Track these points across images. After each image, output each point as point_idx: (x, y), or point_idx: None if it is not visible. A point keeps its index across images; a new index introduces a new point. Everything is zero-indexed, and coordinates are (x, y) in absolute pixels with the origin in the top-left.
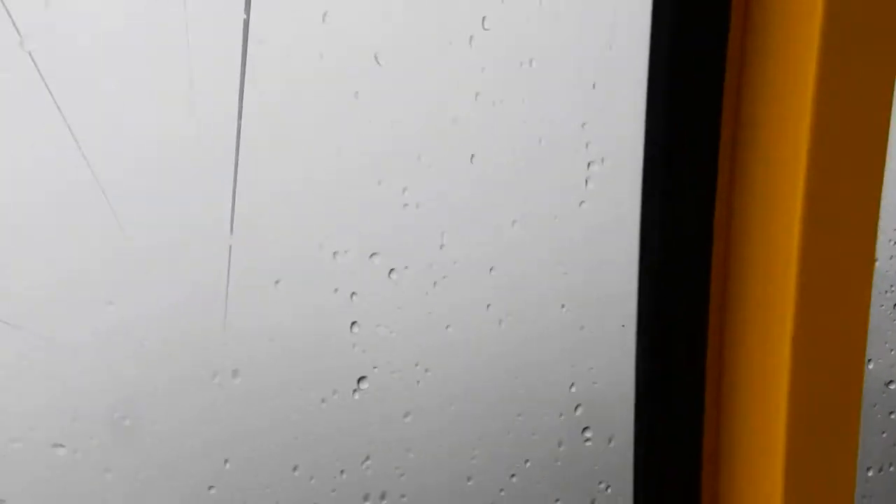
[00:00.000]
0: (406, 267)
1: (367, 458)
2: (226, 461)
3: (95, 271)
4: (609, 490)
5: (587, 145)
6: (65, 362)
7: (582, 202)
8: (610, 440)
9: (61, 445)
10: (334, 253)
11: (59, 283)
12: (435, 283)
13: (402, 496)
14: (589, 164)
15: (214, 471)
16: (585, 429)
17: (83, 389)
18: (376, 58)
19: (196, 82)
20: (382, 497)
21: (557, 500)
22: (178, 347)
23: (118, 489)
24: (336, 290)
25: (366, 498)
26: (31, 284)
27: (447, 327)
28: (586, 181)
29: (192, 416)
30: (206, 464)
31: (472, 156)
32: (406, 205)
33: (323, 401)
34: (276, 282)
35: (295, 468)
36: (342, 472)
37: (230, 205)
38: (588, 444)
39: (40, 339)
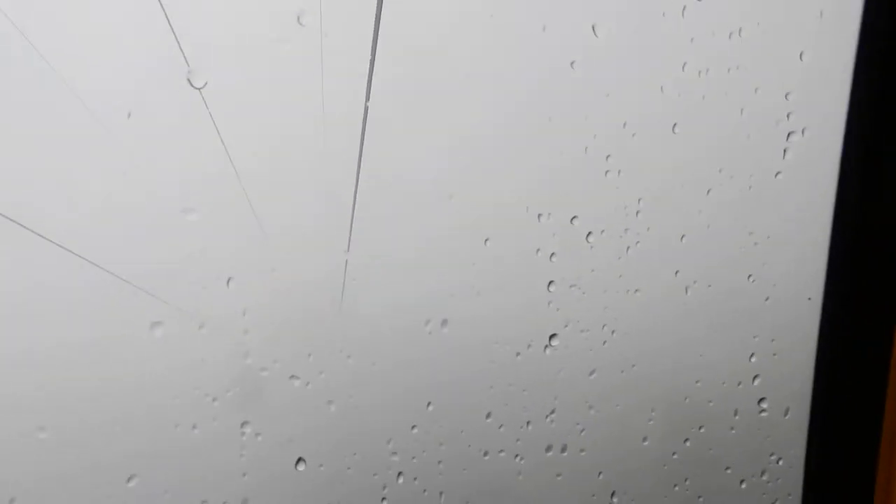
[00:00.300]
0: (602, 231)
1: (553, 411)
2: (428, 404)
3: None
4: (780, 462)
5: (789, 115)
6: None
7: (778, 173)
8: (786, 412)
9: (296, 377)
10: (539, 215)
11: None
12: (628, 248)
13: (582, 451)
14: (789, 135)
15: (417, 411)
16: (762, 399)
17: (317, 328)
18: (594, 29)
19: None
20: (563, 450)
21: (728, 469)
22: (395, 298)
23: (338, 421)
24: (538, 250)
25: (548, 449)
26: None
27: (636, 291)
28: (784, 152)
29: (404, 359)
30: (411, 404)
31: (675, 125)
32: (608, 171)
33: (518, 354)
34: (486, 240)
35: (488, 415)
36: (528, 423)
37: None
38: (763, 414)
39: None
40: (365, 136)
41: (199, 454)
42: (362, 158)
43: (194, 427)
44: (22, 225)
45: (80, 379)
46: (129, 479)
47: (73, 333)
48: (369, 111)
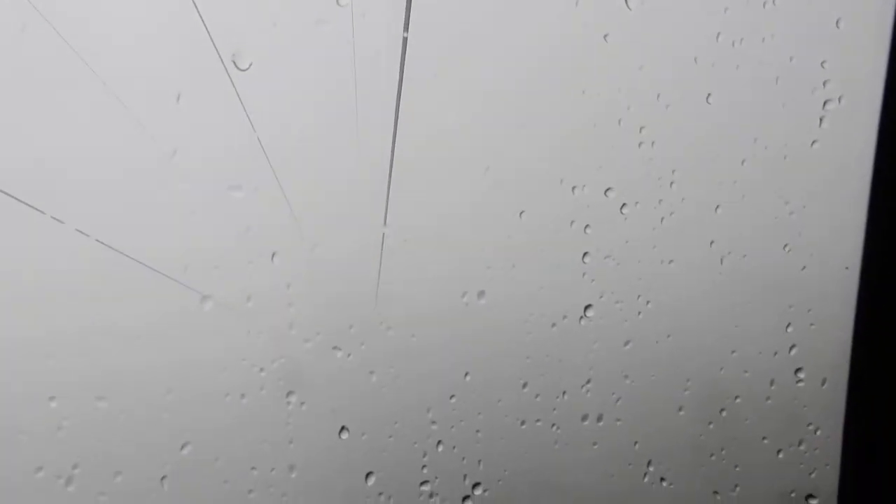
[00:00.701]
0: (637, 202)
1: (588, 381)
2: (466, 374)
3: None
4: (818, 432)
5: (825, 83)
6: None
7: (814, 142)
8: (823, 382)
9: (339, 348)
10: (573, 187)
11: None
12: (662, 219)
13: (618, 420)
14: (825, 103)
15: (456, 382)
16: (799, 370)
17: (358, 301)
18: (626, 1)
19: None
20: (599, 419)
21: (764, 438)
22: (432, 271)
23: (379, 391)
24: (572, 222)
25: (584, 419)
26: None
27: (670, 262)
28: (820, 120)
29: (442, 331)
30: (449, 375)
31: (709, 95)
32: (642, 143)
33: (553, 325)
34: (521, 213)
35: (524, 385)
36: (564, 393)
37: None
38: (800, 384)
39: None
40: (400, 111)
41: (248, 423)
42: (397, 133)
43: (243, 396)
44: (63, 230)
45: (134, 350)
46: (182, 447)
47: (127, 307)
48: (403, 86)
